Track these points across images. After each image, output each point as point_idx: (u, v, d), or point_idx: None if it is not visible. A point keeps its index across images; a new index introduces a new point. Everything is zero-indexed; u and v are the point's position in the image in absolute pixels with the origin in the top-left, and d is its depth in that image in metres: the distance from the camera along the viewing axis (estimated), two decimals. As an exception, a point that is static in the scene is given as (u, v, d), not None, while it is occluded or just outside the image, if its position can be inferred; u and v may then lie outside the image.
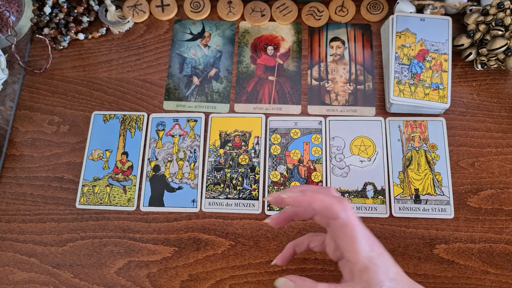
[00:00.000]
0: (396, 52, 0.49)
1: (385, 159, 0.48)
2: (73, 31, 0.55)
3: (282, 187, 0.47)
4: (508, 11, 0.46)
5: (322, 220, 0.35)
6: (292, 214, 0.37)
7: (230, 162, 0.49)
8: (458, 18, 0.53)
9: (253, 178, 0.48)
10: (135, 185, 0.48)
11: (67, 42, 0.55)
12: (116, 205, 0.48)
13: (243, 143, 0.49)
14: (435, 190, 0.46)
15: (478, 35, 0.48)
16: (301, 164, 0.48)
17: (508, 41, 0.46)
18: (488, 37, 0.48)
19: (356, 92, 0.51)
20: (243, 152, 0.49)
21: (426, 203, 0.46)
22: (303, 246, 0.38)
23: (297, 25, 0.55)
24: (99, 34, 0.55)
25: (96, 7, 0.56)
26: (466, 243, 0.45)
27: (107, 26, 0.56)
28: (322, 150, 0.48)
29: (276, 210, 0.46)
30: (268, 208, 0.47)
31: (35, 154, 0.51)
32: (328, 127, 0.50)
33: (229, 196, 0.47)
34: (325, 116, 0.50)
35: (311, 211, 0.35)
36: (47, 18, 0.55)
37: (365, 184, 0.47)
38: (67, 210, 0.48)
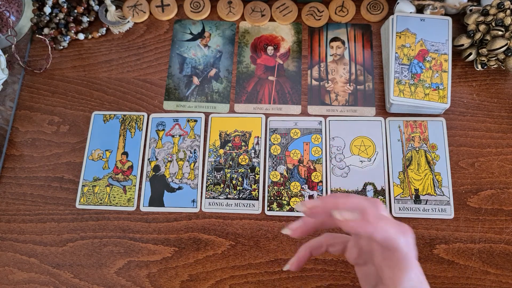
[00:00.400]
0: (396, 52, 0.49)
1: (385, 159, 0.48)
2: (73, 31, 0.55)
3: (282, 187, 0.47)
4: (508, 11, 0.46)
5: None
6: (318, 225, 0.31)
7: (230, 162, 0.49)
8: (458, 18, 0.53)
9: (253, 178, 0.48)
10: (135, 185, 0.48)
11: (67, 42, 0.55)
12: (116, 205, 0.48)
13: (243, 143, 0.49)
14: (435, 190, 0.46)
15: (478, 35, 0.48)
16: (301, 164, 0.48)
17: (508, 41, 0.46)
18: (488, 37, 0.48)
19: (356, 92, 0.51)
20: (243, 152, 0.49)
21: (426, 203, 0.46)
22: (321, 250, 0.33)
23: (297, 25, 0.55)
24: (99, 34, 0.55)
25: (96, 7, 0.56)
26: (466, 243, 0.45)
27: (107, 26, 0.56)
28: (322, 150, 0.48)
29: (276, 211, 0.46)
30: (268, 208, 0.47)
31: (35, 154, 0.51)
32: (328, 127, 0.50)
33: (229, 196, 0.47)
34: (325, 116, 0.50)
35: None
36: (47, 18, 0.55)
37: (365, 184, 0.47)
38: (67, 210, 0.48)
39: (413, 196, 0.46)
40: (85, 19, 0.56)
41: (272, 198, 0.47)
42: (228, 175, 0.48)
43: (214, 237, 0.46)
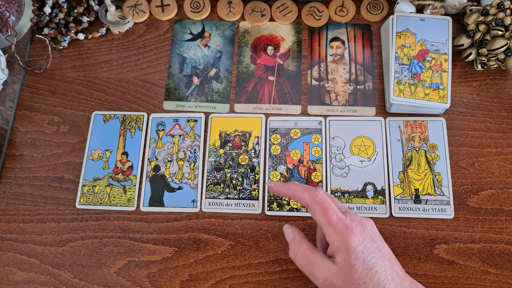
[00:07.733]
0: (396, 52, 0.49)
1: (385, 159, 0.48)
2: (73, 31, 0.55)
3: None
4: (508, 11, 0.46)
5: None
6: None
7: (230, 162, 0.49)
8: (458, 18, 0.53)
9: (253, 178, 0.48)
10: (135, 185, 0.48)
11: (67, 42, 0.55)
12: (116, 205, 0.48)
13: (243, 143, 0.49)
14: (435, 190, 0.46)
15: (478, 35, 0.48)
16: (301, 164, 0.48)
17: (508, 41, 0.46)
18: (488, 37, 0.48)
19: (356, 92, 0.51)
20: (243, 152, 0.49)
21: (426, 203, 0.46)
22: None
23: (297, 25, 0.55)
24: (99, 34, 0.55)
25: (96, 7, 0.56)
26: (466, 243, 0.45)
27: (107, 26, 0.56)
28: (322, 150, 0.48)
29: (276, 211, 0.46)
30: (268, 208, 0.47)
31: (35, 154, 0.51)
32: (328, 127, 0.50)
33: (229, 196, 0.47)
34: (325, 116, 0.50)
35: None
36: (47, 18, 0.55)
37: (365, 184, 0.47)
38: (67, 210, 0.48)
39: (413, 196, 0.46)
40: (85, 19, 0.56)
41: (272, 198, 0.47)
42: (228, 175, 0.48)
43: (214, 237, 0.46)
